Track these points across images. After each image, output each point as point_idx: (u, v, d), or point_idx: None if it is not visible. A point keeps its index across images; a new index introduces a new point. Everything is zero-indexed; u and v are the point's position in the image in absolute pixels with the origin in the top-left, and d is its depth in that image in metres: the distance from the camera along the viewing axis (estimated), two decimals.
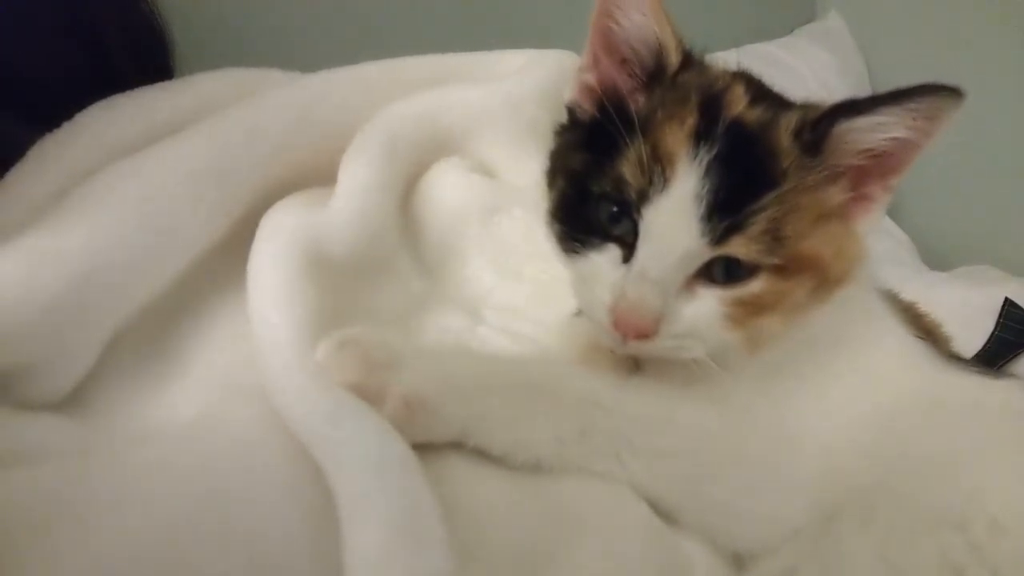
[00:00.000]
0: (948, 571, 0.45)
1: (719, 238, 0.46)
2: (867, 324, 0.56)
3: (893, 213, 1.66)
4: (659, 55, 0.53)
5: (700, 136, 0.48)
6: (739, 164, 0.47)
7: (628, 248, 0.49)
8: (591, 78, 0.56)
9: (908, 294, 0.77)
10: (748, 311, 0.48)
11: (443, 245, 0.65)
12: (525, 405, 0.48)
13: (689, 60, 0.54)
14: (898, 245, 1.51)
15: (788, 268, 0.47)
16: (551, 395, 0.49)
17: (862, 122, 0.48)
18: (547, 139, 0.70)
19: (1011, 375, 0.62)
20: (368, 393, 0.44)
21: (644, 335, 0.48)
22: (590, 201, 0.51)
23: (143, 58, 0.69)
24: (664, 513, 0.50)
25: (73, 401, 0.51)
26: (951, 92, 0.46)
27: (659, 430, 0.50)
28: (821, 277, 0.49)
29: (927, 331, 0.69)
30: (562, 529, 0.45)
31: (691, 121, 0.48)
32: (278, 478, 0.43)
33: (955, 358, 0.61)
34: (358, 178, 0.60)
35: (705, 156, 0.47)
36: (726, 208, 0.46)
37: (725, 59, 0.58)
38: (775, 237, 0.47)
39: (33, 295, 0.47)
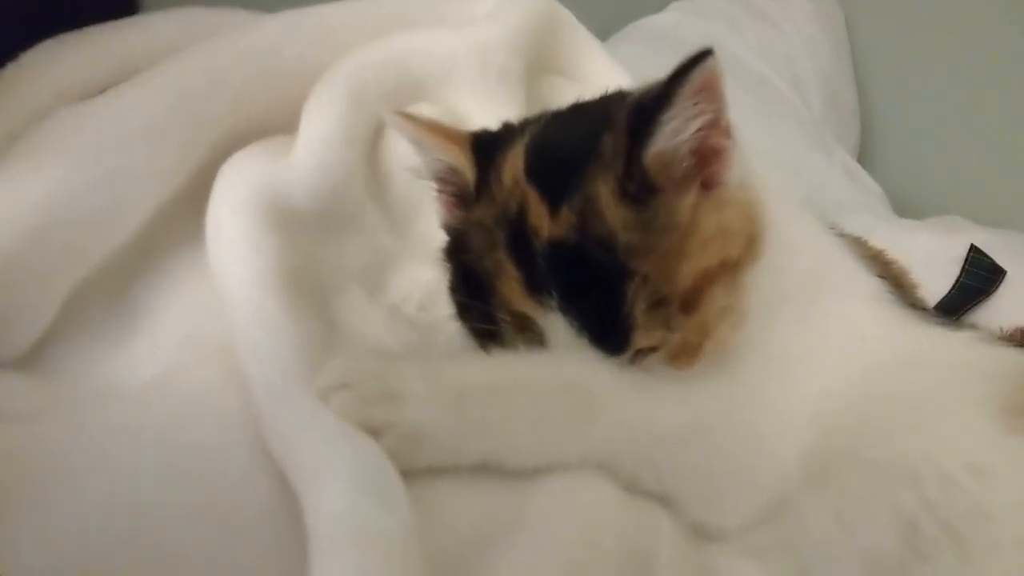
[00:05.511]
0: (902, 527, 0.45)
1: (621, 347, 0.46)
2: (832, 267, 0.56)
3: (865, 163, 1.66)
4: (462, 176, 0.51)
5: (535, 289, 0.46)
6: (584, 284, 0.45)
7: None
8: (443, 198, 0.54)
9: (878, 242, 0.77)
10: (691, 346, 0.47)
11: (409, 197, 0.63)
12: (541, 425, 0.46)
13: (483, 181, 0.50)
14: (869, 195, 1.51)
15: (688, 303, 0.45)
16: (571, 406, 0.46)
17: (660, 136, 0.44)
18: (517, 87, 0.69)
19: (971, 326, 0.62)
20: (369, 431, 0.41)
21: None
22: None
23: None
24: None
25: (33, 359, 0.50)
26: (703, 57, 0.42)
27: (679, 446, 0.48)
28: (723, 271, 0.46)
29: (895, 278, 0.69)
30: (522, 498, 0.45)
31: (516, 278, 0.46)
32: (240, 440, 0.42)
33: (918, 307, 0.61)
34: (320, 128, 0.58)
35: (552, 302, 0.45)
36: (603, 326, 0.45)
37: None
38: (662, 304, 0.45)
39: None
